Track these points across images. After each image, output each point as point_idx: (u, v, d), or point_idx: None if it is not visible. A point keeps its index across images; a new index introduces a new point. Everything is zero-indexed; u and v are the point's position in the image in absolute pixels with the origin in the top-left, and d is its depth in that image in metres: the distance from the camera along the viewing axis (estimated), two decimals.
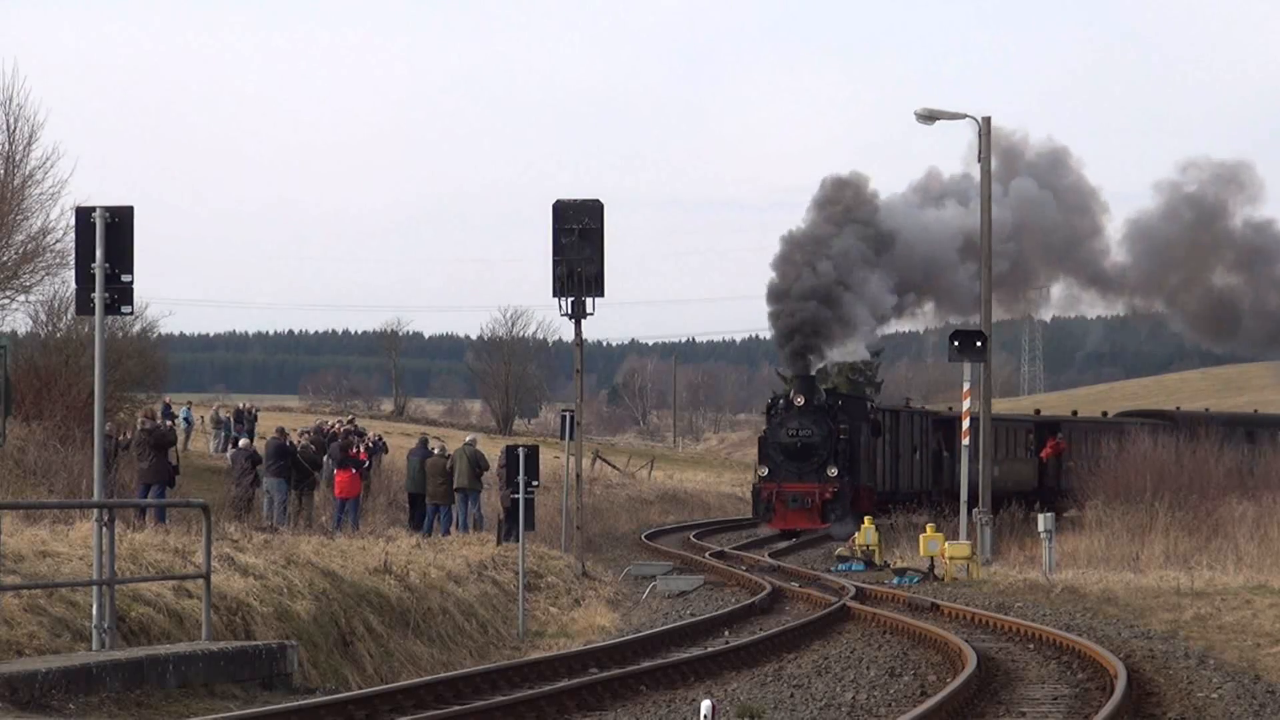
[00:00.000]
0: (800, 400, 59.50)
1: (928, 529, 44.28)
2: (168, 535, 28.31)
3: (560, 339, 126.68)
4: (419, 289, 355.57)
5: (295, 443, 42.83)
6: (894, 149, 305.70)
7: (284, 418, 66.90)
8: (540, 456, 35.71)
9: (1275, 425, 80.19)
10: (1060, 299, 73.27)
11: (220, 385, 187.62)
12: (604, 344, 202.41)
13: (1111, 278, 70.49)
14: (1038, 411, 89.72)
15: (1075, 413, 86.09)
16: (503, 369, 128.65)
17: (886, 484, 63.26)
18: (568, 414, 48.57)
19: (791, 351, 60.30)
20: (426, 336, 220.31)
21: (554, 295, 43.64)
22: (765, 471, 59.61)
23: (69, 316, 51.72)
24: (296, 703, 20.35)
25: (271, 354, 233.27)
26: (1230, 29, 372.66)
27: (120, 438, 41.95)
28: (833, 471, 58.58)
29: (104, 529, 21.76)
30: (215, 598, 23.93)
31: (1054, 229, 66.98)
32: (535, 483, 34.70)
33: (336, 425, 52.80)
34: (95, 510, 22.38)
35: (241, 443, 44.79)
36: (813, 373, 61.50)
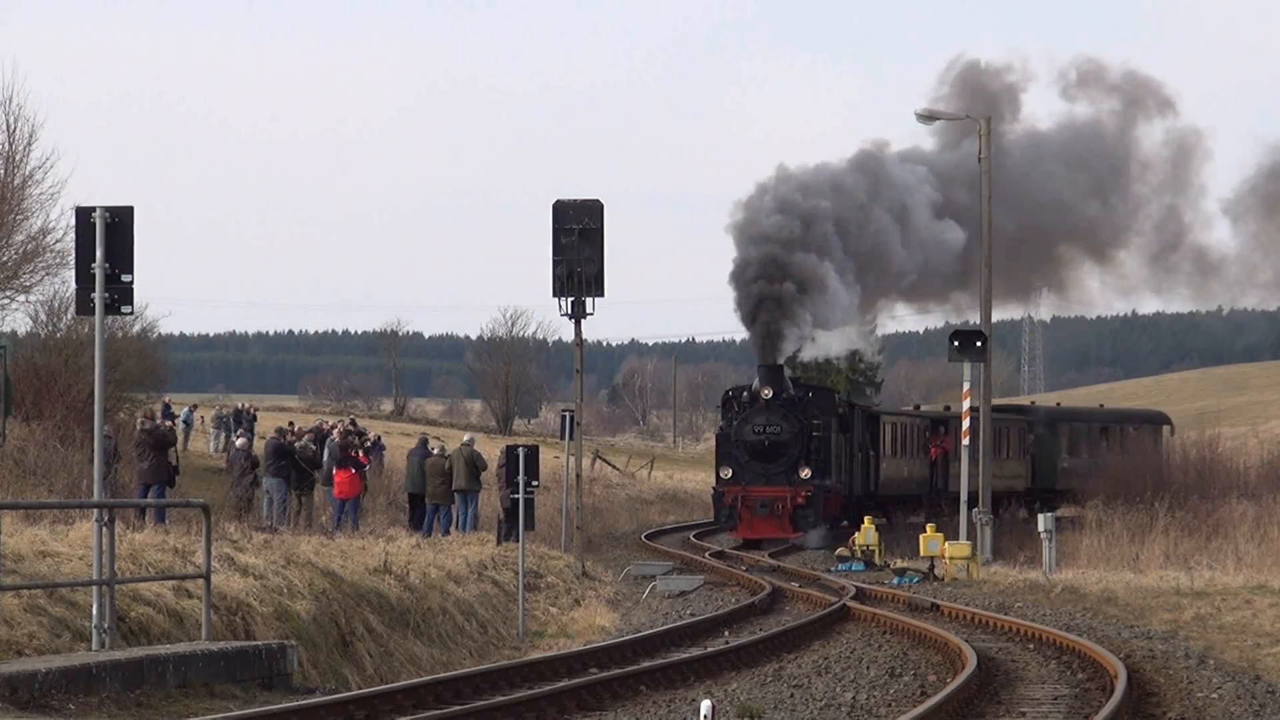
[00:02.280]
0: (768, 393, 53.19)
1: (928, 529, 44.29)
2: (168, 535, 28.27)
3: (560, 339, 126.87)
4: (419, 289, 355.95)
5: (294, 442, 42.85)
6: (898, 147, 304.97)
7: (284, 418, 66.80)
8: (540, 456, 35.69)
9: (1125, 420, 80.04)
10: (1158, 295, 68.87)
11: (220, 385, 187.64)
12: (604, 344, 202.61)
13: (1217, 260, 64.46)
14: (917, 406, 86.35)
15: (948, 408, 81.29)
16: (503, 369, 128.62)
17: (845, 486, 56.61)
18: (568, 414, 48.52)
19: (757, 336, 53.59)
20: (426, 336, 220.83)
21: (554, 295, 43.65)
22: (728, 474, 53.42)
23: (69, 316, 51.70)
24: (296, 703, 20.34)
25: (271, 354, 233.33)
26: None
27: (119, 441, 41.88)
28: (806, 473, 52.93)
29: (104, 529, 21.75)
30: (215, 598, 23.91)
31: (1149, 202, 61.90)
32: (535, 483, 34.68)
33: (330, 425, 52.66)
34: (95, 510, 22.38)
35: (240, 443, 44.76)
36: (780, 361, 54.48)
